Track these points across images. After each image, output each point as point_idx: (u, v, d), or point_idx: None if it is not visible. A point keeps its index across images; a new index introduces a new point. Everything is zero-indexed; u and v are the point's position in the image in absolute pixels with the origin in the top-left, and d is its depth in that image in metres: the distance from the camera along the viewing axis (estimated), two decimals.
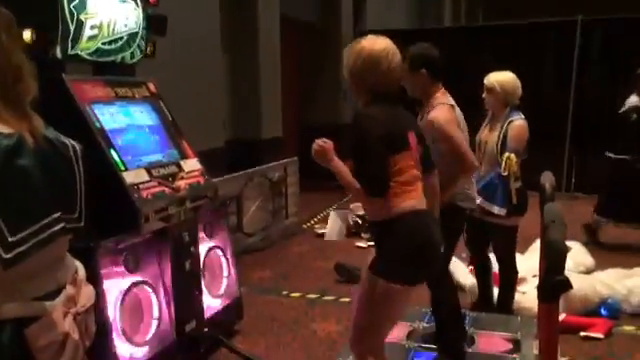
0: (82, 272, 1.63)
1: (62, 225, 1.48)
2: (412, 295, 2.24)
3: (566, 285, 1.86)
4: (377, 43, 2.15)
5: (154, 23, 3.25)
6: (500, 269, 3.59)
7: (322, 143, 2.09)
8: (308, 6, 8.13)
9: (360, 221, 5.90)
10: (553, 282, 1.85)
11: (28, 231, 1.39)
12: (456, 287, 3.32)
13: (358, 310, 2.23)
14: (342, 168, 2.08)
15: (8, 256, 1.35)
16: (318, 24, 8.26)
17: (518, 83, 3.42)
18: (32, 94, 1.48)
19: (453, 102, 2.84)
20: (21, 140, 1.40)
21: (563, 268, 1.87)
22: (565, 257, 1.88)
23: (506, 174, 3.27)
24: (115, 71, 3.07)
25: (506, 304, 3.59)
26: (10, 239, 1.35)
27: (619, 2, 9.67)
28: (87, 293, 1.59)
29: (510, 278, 3.58)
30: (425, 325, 3.37)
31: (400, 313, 2.27)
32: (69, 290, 1.52)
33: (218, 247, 3.41)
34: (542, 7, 12.47)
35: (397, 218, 2.08)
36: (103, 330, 2.37)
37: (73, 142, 1.59)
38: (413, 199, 2.11)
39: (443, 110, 2.73)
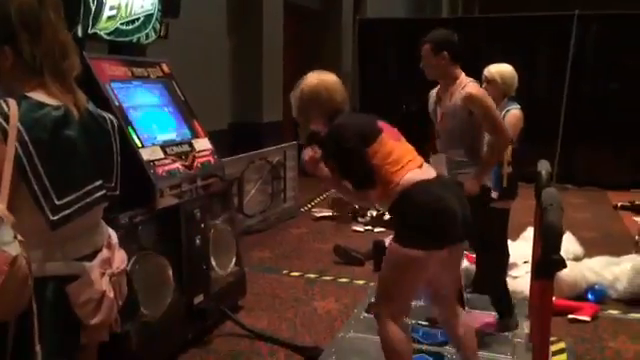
0: (115, 238, 1.75)
1: (103, 192, 1.60)
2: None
3: (561, 263, 2.00)
4: (310, 80, 2.44)
5: (168, 5, 3.34)
6: (491, 252, 3.73)
7: (312, 154, 2.37)
8: None
9: (357, 206, 6.04)
10: (550, 260, 1.99)
11: (73, 196, 1.51)
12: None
13: (383, 278, 2.34)
14: (329, 174, 2.37)
15: (55, 218, 1.47)
16: (320, 10, 8.33)
17: (516, 75, 3.57)
18: (77, 70, 1.59)
19: None
20: (67, 112, 1.52)
21: (559, 248, 2.01)
22: (561, 238, 2.02)
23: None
24: (128, 52, 3.16)
25: (497, 286, 3.73)
26: (57, 202, 1.47)
27: None
28: (120, 257, 1.72)
29: (501, 261, 3.72)
30: (421, 304, 3.51)
31: (421, 280, 2.35)
32: (105, 253, 1.65)
33: (224, 225, 3.53)
34: (538, 1, 12.58)
35: (402, 195, 2.23)
36: None
37: (111, 116, 1.71)
38: (410, 170, 2.26)
39: (476, 86, 2.93)
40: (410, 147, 2.39)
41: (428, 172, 2.32)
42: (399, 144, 2.35)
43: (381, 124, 2.37)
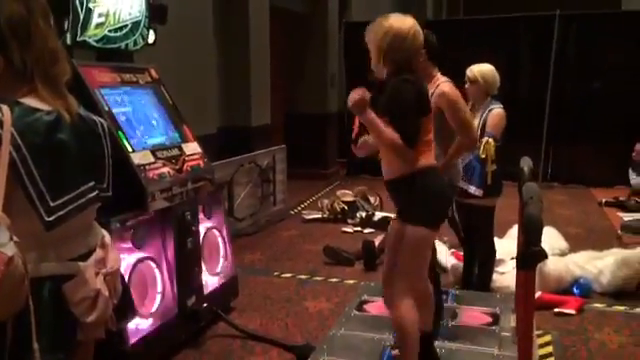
0: (108, 238, 1.79)
1: (96, 193, 1.65)
2: None
3: (542, 255, 2.06)
4: (405, 22, 2.41)
5: (155, 12, 3.39)
6: (479, 249, 3.81)
7: (363, 94, 2.34)
8: None
9: (346, 207, 6.10)
10: (531, 252, 2.05)
11: (67, 197, 1.55)
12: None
13: (400, 262, 2.48)
14: (378, 119, 2.34)
15: (50, 219, 1.52)
16: (305, 14, 8.39)
17: (497, 74, 3.68)
18: (67, 75, 1.64)
19: None
20: (59, 117, 1.56)
21: (540, 240, 2.07)
22: (542, 230, 2.08)
23: (484, 157, 3.51)
24: (116, 58, 3.20)
25: (485, 282, 3.81)
26: (52, 204, 1.52)
27: None
28: (114, 257, 1.76)
29: (489, 257, 3.80)
30: None
31: (427, 256, 2.57)
32: (99, 253, 1.69)
33: (215, 228, 3.58)
34: (522, 2, 12.76)
35: (422, 171, 2.40)
36: None
37: (102, 120, 1.76)
38: (430, 157, 2.48)
39: (451, 85, 3.01)
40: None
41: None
42: (431, 132, 2.49)
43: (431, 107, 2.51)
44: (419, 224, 2.41)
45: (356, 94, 2.34)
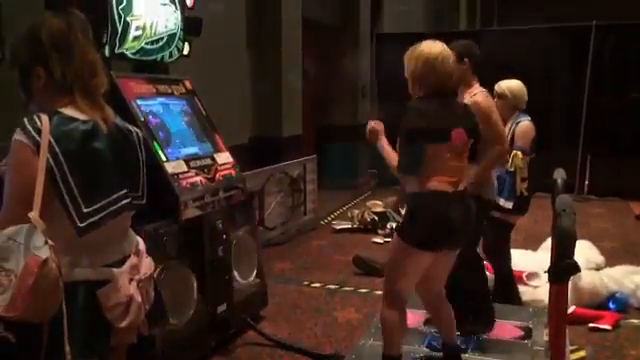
0: (142, 245, 1.84)
1: (129, 200, 1.69)
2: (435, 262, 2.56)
3: (575, 268, 2.04)
4: (434, 47, 2.46)
5: (190, 25, 3.47)
6: (494, 266, 3.72)
7: (375, 124, 2.55)
8: (328, 9, 8.32)
9: (376, 218, 6.09)
10: (563, 265, 2.03)
11: (100, 204, 1.61)
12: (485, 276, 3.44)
13: (390, 258, 2.63)
14: (388, 148, 2.54)
15: (82, 225, 1.57)
16: (337, 26, 8.45)
17: (525, 89, 3.67)
18: (105, 87, 1.70)
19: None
20: (96, 126, 1.62)
21: (573, 253, 2.05)
22: (574, 242, 2.05)
23: (512, 170, 3.47)
24: (151, 69, 3.28)
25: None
26: (85, 210, 1.57)
27: (633, 9, 9.78)
28: (147, 263, 1.80)
29: (505, 275, 3.69)
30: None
31: (419, 273, 2.57)
32: (133, 260, 1.74)
33: (246, 237, 3.61)
34: (557, 13, 12.60)
35: (428, 194, 2.43)
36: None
37: (137, 130, 1.81)
38: (441, 182, 2.43)
39: (484, 95, 3.09)
40: (461, 166, 2.50)
41: (453, 186, 2.45)
42: (453, 159, 2.44)
43: (455, 134, 2.43)
44: (402, 237, 2.46)
45: (370, 125, 2.56)
